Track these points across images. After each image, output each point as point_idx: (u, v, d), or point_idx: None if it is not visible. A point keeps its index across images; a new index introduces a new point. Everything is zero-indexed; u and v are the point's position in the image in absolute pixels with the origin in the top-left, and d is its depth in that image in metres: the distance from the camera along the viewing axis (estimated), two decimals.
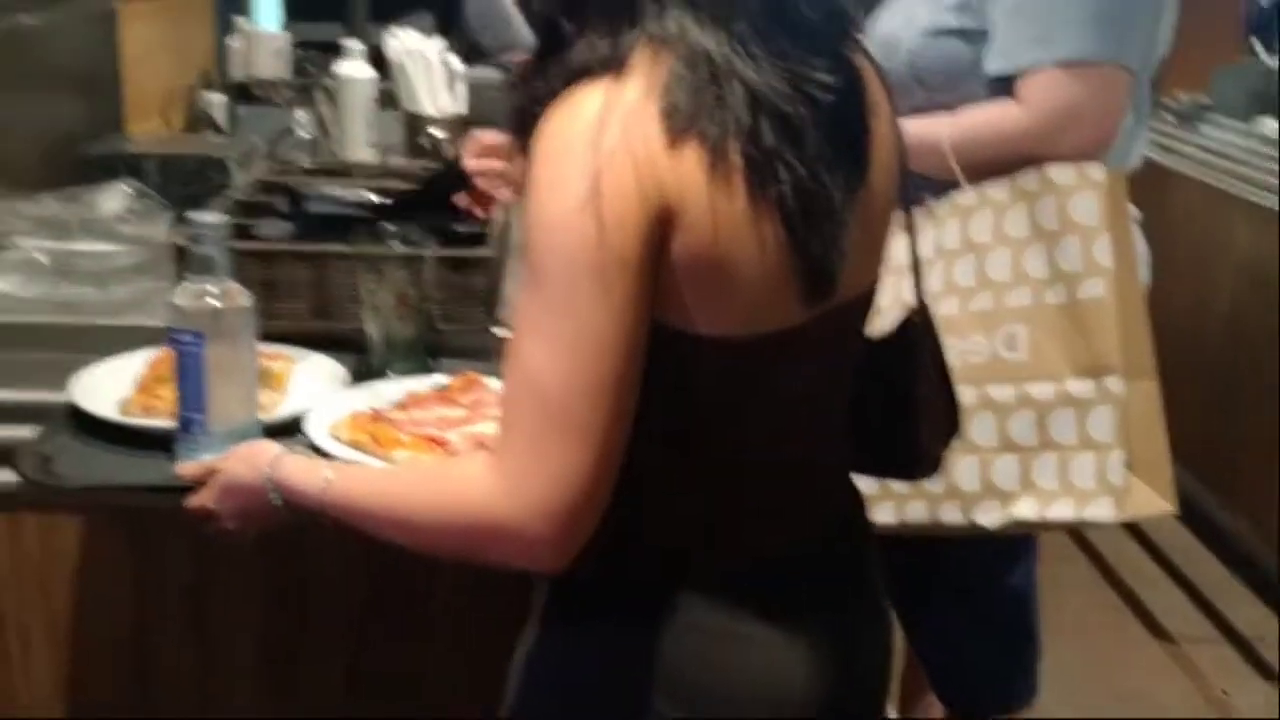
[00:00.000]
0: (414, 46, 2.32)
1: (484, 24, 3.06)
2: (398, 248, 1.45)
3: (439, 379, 1.43)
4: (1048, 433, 1.59)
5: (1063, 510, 1.61)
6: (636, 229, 0.91)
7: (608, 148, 0.91)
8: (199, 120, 2.67)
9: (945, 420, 1.24)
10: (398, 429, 1.28)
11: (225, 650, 1.56)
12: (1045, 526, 1.67)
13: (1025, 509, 1.64)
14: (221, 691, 1.55)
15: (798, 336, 1.00)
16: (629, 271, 0.92)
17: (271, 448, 1.13)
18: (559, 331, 0.91)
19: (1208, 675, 2.83)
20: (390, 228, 1.48)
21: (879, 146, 1.03)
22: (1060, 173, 1.58)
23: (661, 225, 0.92)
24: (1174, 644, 2.95)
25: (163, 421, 1.31)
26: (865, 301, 1.08)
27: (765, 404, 1.02)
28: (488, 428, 1.29)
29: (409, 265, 1.44)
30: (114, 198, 1.72)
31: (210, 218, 1.21)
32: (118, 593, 1.54)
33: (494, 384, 1.41)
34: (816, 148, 0.96)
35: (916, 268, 1.21)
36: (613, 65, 0.95)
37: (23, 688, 1.56)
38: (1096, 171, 1.58)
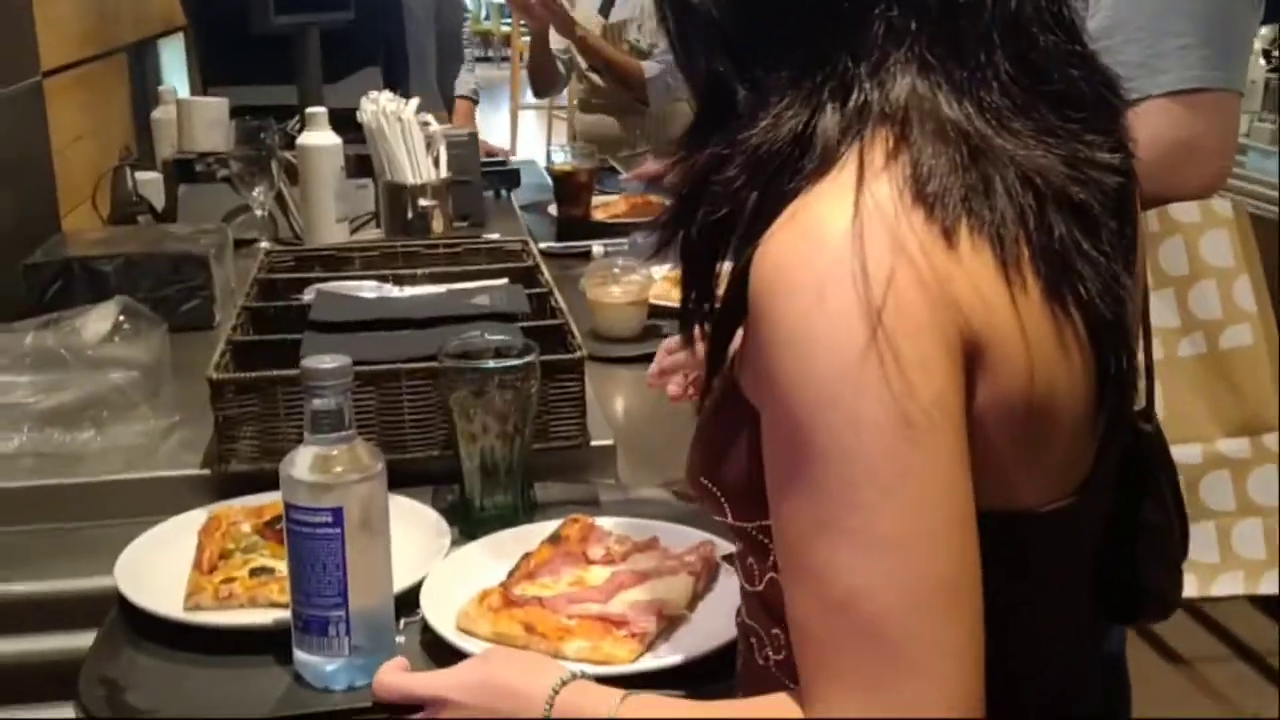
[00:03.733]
0: (390, 109, 2.06)
1: None
2: (494, 362, 1.19)
3: (537, 528, 1.19)
4: (1200, 501, 1.43)
5: (1230, 585, 1.47)
6: (943, 370, 0.69)
7: (882, 271, 0.68)
8: (129, 206, 2.35)
9: (1177, 550, 0.98)
10: (555, 611, 1.03)
11: None
12: (1211, 602, 1.54)
13: (1185, 587, 1.49)
14: None
15: (1097, 484, 0.80)
16: (949, 428, 0.69)
17: (551, 674, 0.86)
18: (870, 527, 0.68)
19: (1229, 695, 2.74)
20: (487, 336, 1.22)
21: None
22: (1184, 211, 1.43)
23: (967, 362, 0.70)
24: (1187, 665, 2.85)
25: (270, 616, 1.04)
26: None
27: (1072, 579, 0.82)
28: (653, 590, 1.07)
29: (512, 379, 1.19)
30: (100, 318, 1.42)
31: (330, 363, 0.94)
32: None
33: (607, 524, 1.19)
34: (1110, 242, 0.75)
35: (1150, 369, 1.00)
36: (813, 151, 0.73)
37: None
38: (1223, 207, 1.44)
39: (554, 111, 7.86)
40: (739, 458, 0.79)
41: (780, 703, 0.75)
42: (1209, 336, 1.44)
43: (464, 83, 3.41)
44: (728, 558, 1.11)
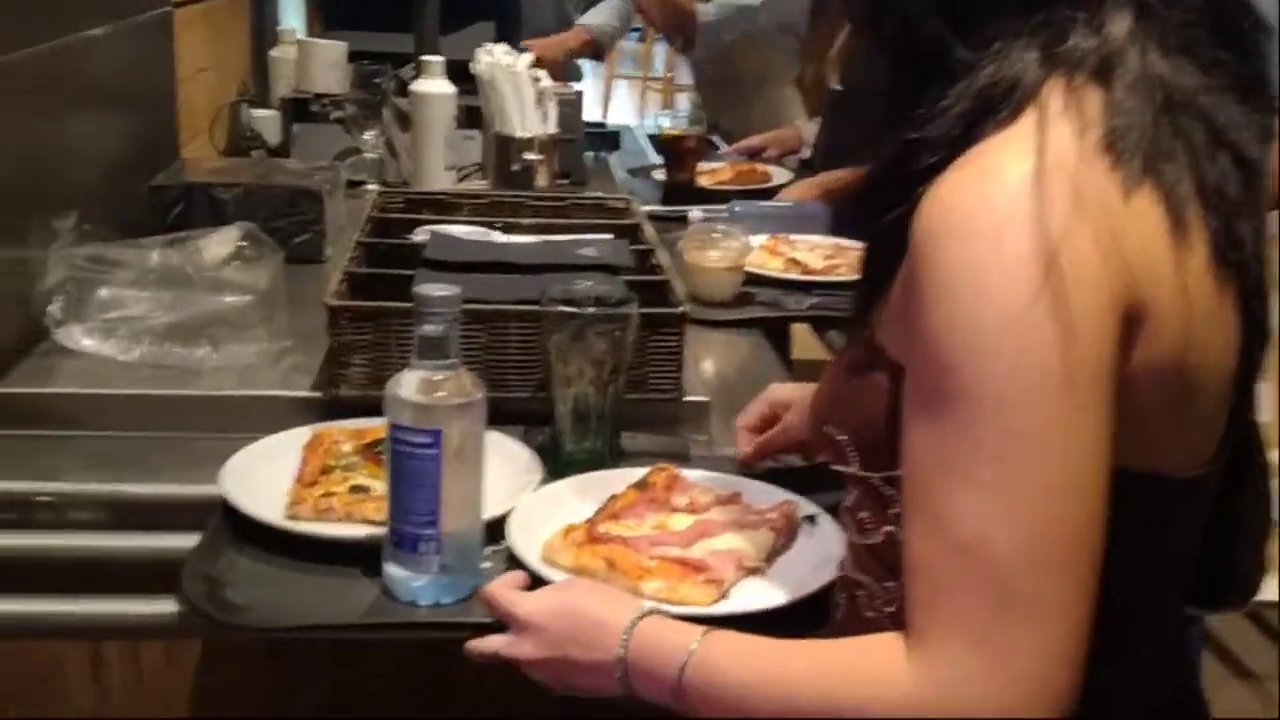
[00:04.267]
0: (505, 63, 2.09)
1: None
2: (594, 309, 1.22)
3: (624, 473, 1.21)
4: None
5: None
6: (1106, 329, 0.69)
7: (1059, 219, 0.69)
8: (244, 140, 2.42)
9: (1261, 534, 0.98)
10: (636, 551, 1.05)
11: None
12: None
13: (1270, 590, 1.48)
14: None
15: (1220, 458, 0.81)
16: (1103, 386, 0.69)
17: (630, 608, 0.89)
18: (1010, 477, 0.69)
19: None
20: (586, 282, 1.25)
21: None
22: None
23: (1127, 323, 0.71)
24: (1258, 681, 2.78)
25: (363, 531, 1.09)
26: None
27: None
28: (733, 541, 1.08)
29: (611, 328, 1.22)
30: (222, 241, 1.48)
31: (442, 290, 0.98)
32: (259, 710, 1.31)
33: (693, 476, 1.20)
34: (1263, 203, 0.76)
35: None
36: (1012, 99, 0.73)
37: None
38: None
39: (648, 83, 7.88)
40: (872, 408, 0.81)
41: (880, 642, 0.76)
42: None
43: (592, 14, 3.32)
44: (809, 519, 1.13)
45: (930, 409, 0.72)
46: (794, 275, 1.90)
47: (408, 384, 0.98)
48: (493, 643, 0.95)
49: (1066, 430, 0.69)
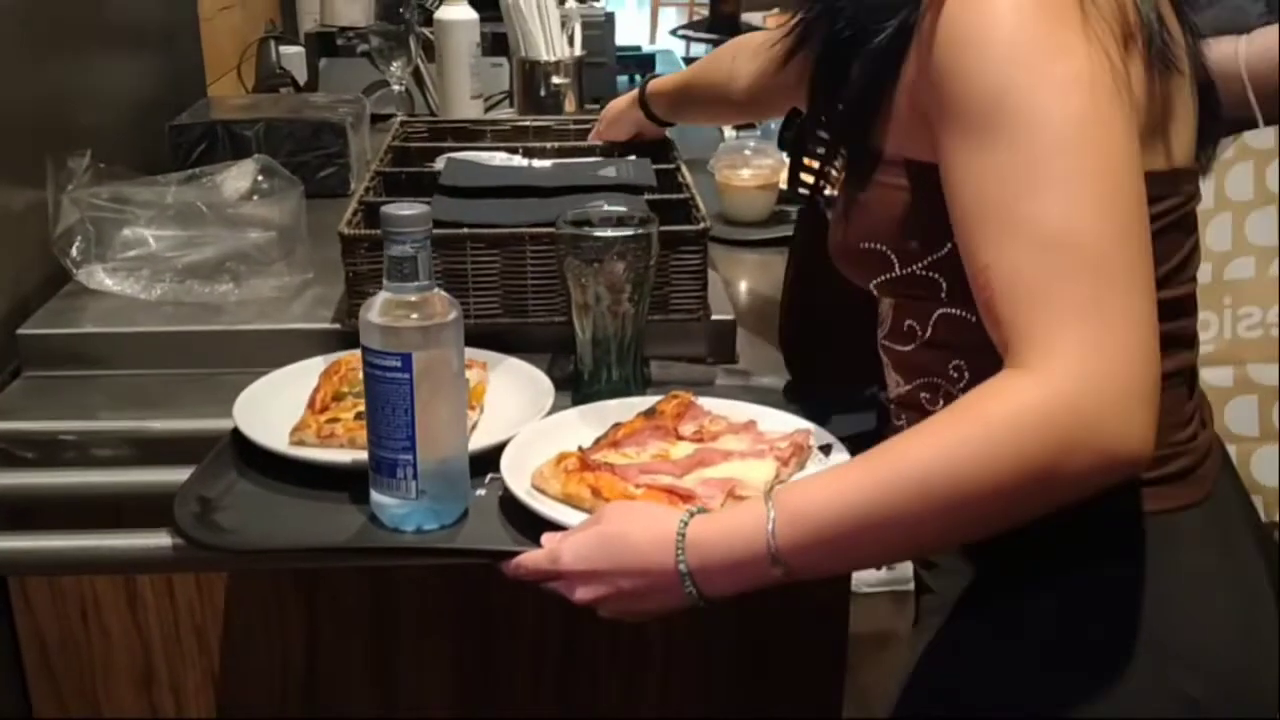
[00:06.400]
0: None
1: None
2: (611, 231, 1.19)
3: (640, 401, 1.19)
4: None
5: None
6: (1116, 37, 0.81)
7: None
8: (272, 77, 2.40)
9: None
10: (624, 479, 1.02)
11: (411, 707, 1.35)
12: None
13: None
14: None
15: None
16: (1126, 90, 0.80)
17: (672, 517, 0.87)
18: (1078, 173, 0.76)
19: None
20: (608, 206, 1.22)
21: None
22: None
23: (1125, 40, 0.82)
24: None
25: (348, 455, 1.08)
26: None
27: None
28: (732, 469, 1.05)
29: (628, 250, 1.19)
30: (240, 176, 1.46)
31: (409, 210, 0.95)
32: (289, 640, 1.32)
33: (711, 405, 1.17)
34: None
35: None
36: None
37: None
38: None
39: (695, 6, 7.74)
40: (898, 206, 0.89)
41: (982, 389, 0.78)
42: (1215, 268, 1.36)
43: None
44: (824, 448, 1.10)
45: (985, 138, 0.78)
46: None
47: (376, 307, 0.95)
48: (536, 573, 0.93)
49: (1111, 125, 0.77)
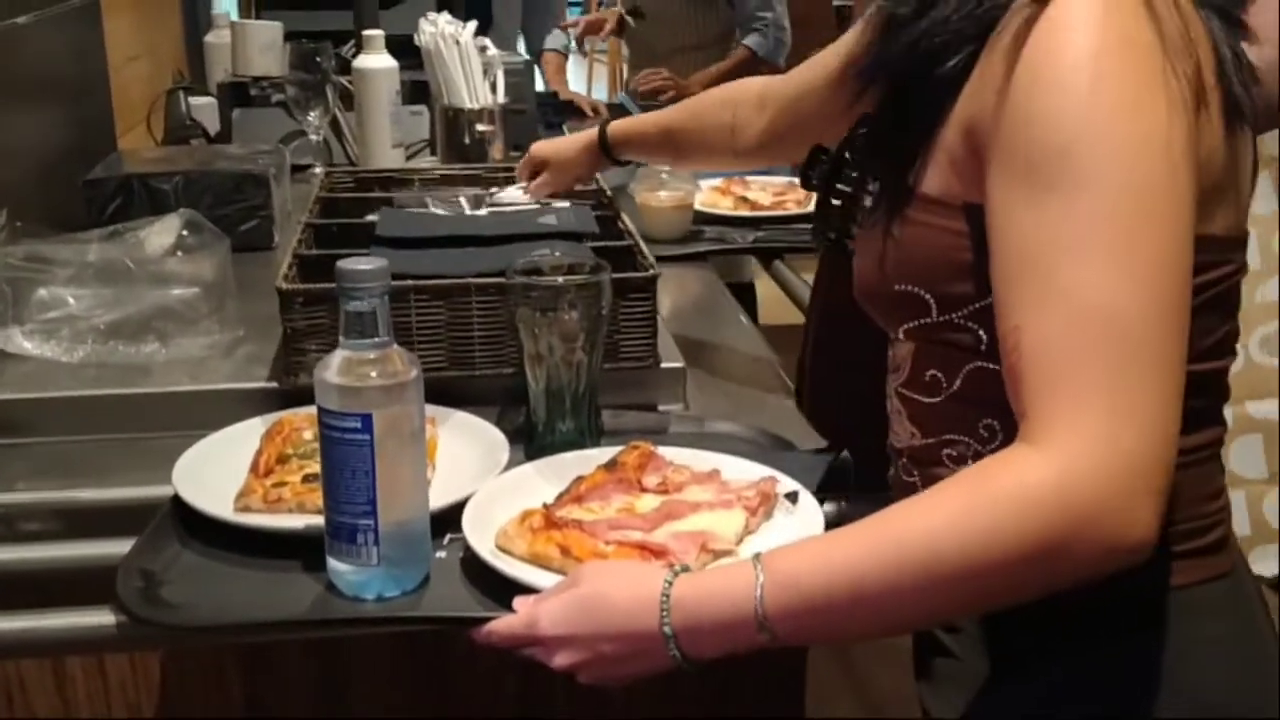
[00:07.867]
0: (449, 32, 2.02)
1: None
2: (562, 279, 1.16)
3: (598, 453, 1.15)
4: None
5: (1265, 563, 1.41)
6: (1188, 102, 0.78)
7: (1158, 7, 0.79)
8: (182, 129, 2.34)
9: None
10: (594, 536, 0.98)
11: None
12: None
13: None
14: None
15: None
16: (1192, 161, 0.77)
17: (655, 577, 0.83)
18: (1129, 246, 0.73)
19: None
20: (557, 254, 1.19)
21: None
22: None
23: (1196, 102, 0.79)
24: None
25: (298, 520, 1.03)
26: None
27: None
28: (701, 521, 1.01)
29: (580, 299, 1.16)
30: (164, 231, 1.41)
31: (366, 264, 0.91)
32: (230, 715, 1.25)
33: (671, 455, 1.14)
34: None
35: None
36: None
37: None
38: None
39: (595, 56, 7.80)
40: (943, 249, 0.84)
41: (995, 459, 0.76)
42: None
43: (555, 37, 3.39)
44: (790, 495, 1.07)
45: (1040, 191, 0.75)
46: (743, 213, 2.01)
47: (333, 366, 0.91)
48: (511, 639, 0.89)
49: (1174, 196, 0.75)
